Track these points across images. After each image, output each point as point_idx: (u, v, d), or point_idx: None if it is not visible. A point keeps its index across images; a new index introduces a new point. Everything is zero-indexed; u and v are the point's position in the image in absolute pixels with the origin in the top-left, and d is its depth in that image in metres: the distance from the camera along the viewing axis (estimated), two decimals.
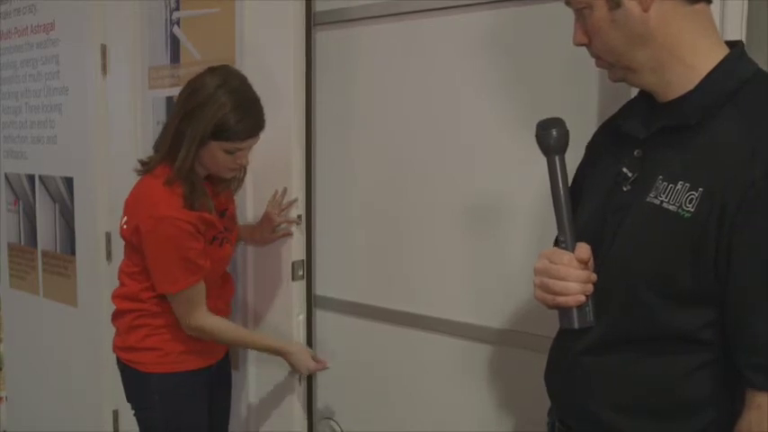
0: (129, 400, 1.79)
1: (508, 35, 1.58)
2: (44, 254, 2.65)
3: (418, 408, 1.81)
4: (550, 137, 1.02)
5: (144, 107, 2.23)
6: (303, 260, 1.93)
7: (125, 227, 1.68)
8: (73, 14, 2.39)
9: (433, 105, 1.72)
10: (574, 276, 0.98)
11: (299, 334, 1.92)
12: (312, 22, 1.88)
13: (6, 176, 2.81)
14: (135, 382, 1.75)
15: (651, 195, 0.95)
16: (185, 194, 1.60)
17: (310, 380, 1.98)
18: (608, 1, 0.96)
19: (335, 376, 1.97)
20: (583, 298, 0.98)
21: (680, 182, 0.92)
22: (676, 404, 0.95)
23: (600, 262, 1.01)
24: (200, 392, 1.77)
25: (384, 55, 1.80)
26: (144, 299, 1.70)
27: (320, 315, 1.99)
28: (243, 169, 1.76)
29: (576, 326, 1.00)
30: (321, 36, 1.90)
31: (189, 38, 2.09)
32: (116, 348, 1.78)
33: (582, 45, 1.04)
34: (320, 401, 2.02)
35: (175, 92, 1.70)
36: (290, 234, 1.89)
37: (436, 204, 1.73)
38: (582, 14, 1.00)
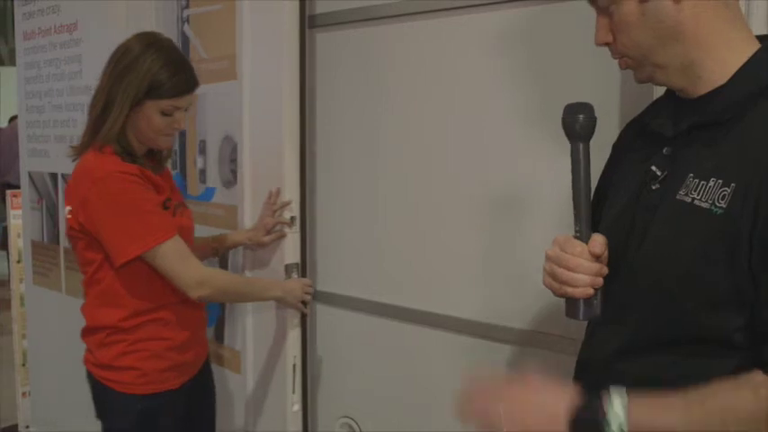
0: (99, 417, 1.66)
1: (516, 35, 1.56)
2: (66, 251, 2.67)
3: (419, 406, 1.80)
4: (576, 122, 0.97)
5: None
6: (297, 263, 1.89)
7: (69, 216, 1.54)
8: (96, 15, 2.41)
9: (431, 105, 1.71)
10: (584, 268, 0.95)
11: (295, 337, 1.91)
12: (307, 24, 1.87)
13: (30, 175, 2.84)
14: (110, 402, 1.61)
15: (681, 193, 0.93)
16: (119, 153, 1.51)
17: (305, 386, 1.94)
18: None
19: (336, 372, 1.96)
20: (591, 291, 0.96)
21: (712, 179, 0.90)
22: None
23: (630, 261, 0.98)
24: (181, 410, 1.65)
25: (382, 56, 1.79)
26: (116, 295, 1.55)
27: (321, 309, 1.98)
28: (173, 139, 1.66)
29: (581, 318, 0.98)
30: (320, 38, 1.90)
31: (196, 35, 2.10)
32: (87, 363, 1.64)
33: (605, 44, 1.00)
34: (320, 398, 2.01)
35: None
36: (283, 236, 1.86)
37: (441, 200, 1.72)
38: (607, 11, 0.97)
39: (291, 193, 1.87)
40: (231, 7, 1.93)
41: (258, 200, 1.89)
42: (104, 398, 1.63)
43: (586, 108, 0.98)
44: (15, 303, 3.20)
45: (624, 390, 0.88)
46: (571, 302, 0.98)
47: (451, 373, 1.74)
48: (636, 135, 1.09)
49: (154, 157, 1.67)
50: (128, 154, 1.53)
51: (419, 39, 1.72)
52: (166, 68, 1.51)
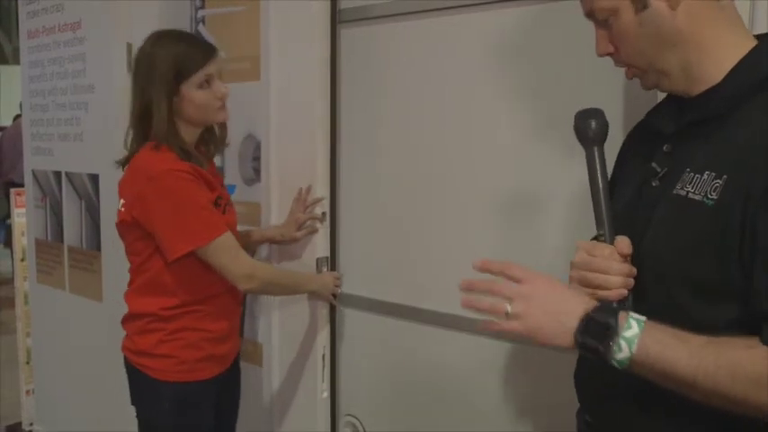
0: (134, 403, 1.72)
1: (536, 32, 1.57)
2: (70, 249, 2.68)
3: (443, 407, 1.81)
4: (589, 127, 1.00)
5: None
6: (327, 257, 1.93)
7: (123, 209, 1.60)
8: (99, 13, 2.41)
9: (459, 102, 1.71)
10: (616, 269, 0.96)
11: (323, 329, 1.93)
12: (337, 19, 1.88)
13: (34, 173, 2.85)
14: (145, 387, 1.67)
15: (678, 187, 0.94)
16: (176, 151, 1.55)
17: (334, 377, 1.98)
18: (635, 4, 0.94)
19: (360, 374, 1.98)
20: (625, 292, 0.96)
21: (706, 171, 0.91)
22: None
23: (634, 257, 0.99)
24: (212, 401, 1.70)
25: (410, 52, 1.79)
26: (163, 284, 1.60)
27: (345, 313, 2.00)
28: (223, 128, 1.71)
29: None
30: (346, 33, 1.91)
31: (213, 36, 2.10)
32: (125, 350, 1.70)
33: (607, 55, 1.02)
34: (343, 399, 2.03)
35: None
36: (315, 231, 1.90)
37: (463, 202, 1.73)
38: (605, 23, 0.98)
39: (322, 189, 1.90)
40: (255, 8, 1.95)
41: (285, 197, 1.92)
42: (139, 384, 1.68)
43: (597, 113, 1.00)
44: (19, 301, 3.21)
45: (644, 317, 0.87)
46: None
47: (465, 375, 1.75)
48: (640, 136, 1.11)
49: (207, 148, 1.71)
50: (182, 150, 1.57)
51: (448, 35, 1.71)
52: (181, 46, 1.56)
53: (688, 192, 0.92)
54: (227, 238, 1.55)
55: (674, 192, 0.94)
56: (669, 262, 0.94)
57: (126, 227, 1.62)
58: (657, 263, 0.96)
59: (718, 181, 0.89)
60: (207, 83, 1.58)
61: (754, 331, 0.86)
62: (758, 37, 0.97)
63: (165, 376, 1.63)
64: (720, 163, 0.90)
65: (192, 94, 1.57)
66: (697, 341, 0.86)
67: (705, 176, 0.91)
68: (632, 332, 0.86)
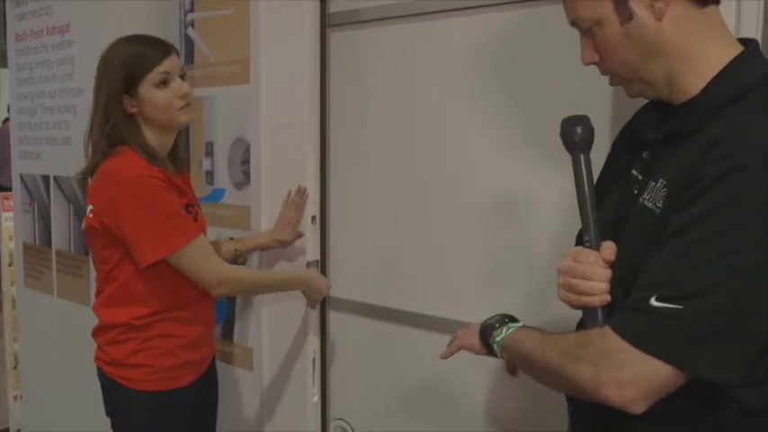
0: (109, 414, 1.68)
1: (524, 37, 1.58)
2: (58, 254, 2.66)
3: (433, 411, 1.81)
4: (575, 134, 1.01)
5: None
6: (317, 260, 1.93)
7: (91, 216, 1.56)
8: (88, 16, 2.40)
9: (448, 106, 1.72)
10: (600, 276, 0.97)
11: (314, 333, 1.93)
12: (327, 23, 1.88)
13: (22, 177, 2.83)
14: (121, 398, 1.62)
15: (645, 196, 0.96)
16: (143, 155, 1.52)
17: (324, 381, 1.98)
18: (619, 14, 0.94)
19: (350, 378, 1.97)
20: (608, 297, 0.97)
21: (660, 180, 0.93)
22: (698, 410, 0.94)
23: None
24: (190, 406, 1.68)
25: (399, 56, 1.80)
26: (134, 292, 1.57)
27: (334, 317, 1.99)
28: (181, 147, 1.67)
29: (602, 325, 0.97)
30: (335, 37, 1.91)
31: (203, 39, 2.10)
32: (98, 360, 1.66)
33: (593, 64, 1.02)
34: (333, 403, 2.02)
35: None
36: (301, 235, 1.89)
37: (452, 205, 1.73)
38: (590, 32, 0.98)
39: (312, 193, 1.90)
40: (245, 11, 1.94)
41: (275, 200, 1.91)
42: (115, 395, 1.64)
43: (583, 120, 1.01)
44: (7, 306, 3.19)
45: (522, 323, 1.14)
46: (589, 312, 0.99)
47: (455, 379, 1.75)
48: (624, 142, 1.12)
49: (174, 159, 1.67)
50: (150, 156, 1.54)
51: (437, 39, 1.72)
52: (133, 48, 1.53)
53: (645, 200, 0.95)
54: (198, 245, 1.53)
55: (641, 200, 0.97)
56: (628, 266, 0.95)
57: (94, 234, 1.58)
58: (620, 266, 0.98)
59: (665, 190, 0.91)
60: (164, 83, 1.54)
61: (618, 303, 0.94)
62: (743, 42, 0.97)
63: (140, 386, 1.60)
64: (668, 172, 0.92)
65: (151, 94, 1.53)
66: (553, 336, 1.00)
67: (659, 185, 0.93)
68: (501, 336, 1.12)
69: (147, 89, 1.53)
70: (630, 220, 0.98)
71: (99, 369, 1.67)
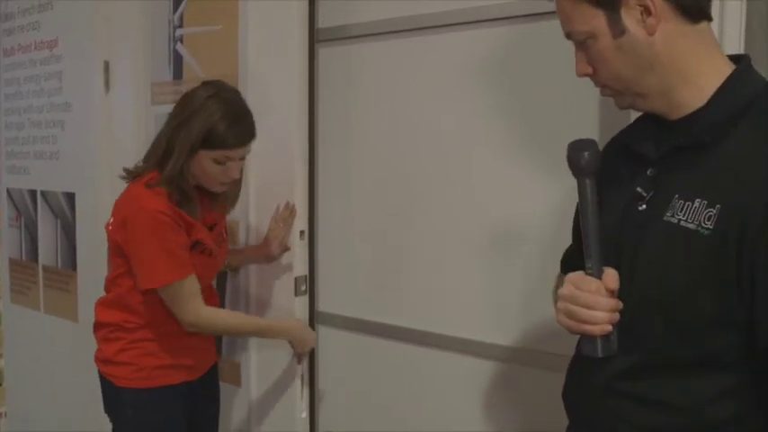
0: (105, 411, 1.77)
1: (514, 51, 1.59)
2: (45, 269, 2.65)
3: (423, 426, 1.80)
4: (582, 158, 0.97)
5: (146, 123, 2.23)
6: (306, 275, 1.92)
7: (110, 227, 1.67)
8: (76, 31, 2.40)
9: (437, 121, 1.72)
10: (601, 305, 0.95)
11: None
12: (315, 38, 1.89)
13: (8, 192, 2.81)
14: (111, 395, 1.72)
15: (668, 214, 0.94)
16: (169, 195, 1.60)
17: (313, 396, 1.97)
18: (612, 29, 0.94)
19: (338, 394, 1.97)
20: (609, 327, 0.96)
21: (697, 199, 0.91)
22: (705, 426, 0.94)
23: (623, 283, 0.98)
24: (178, 407, 1.71)
25: (387, 71, 1.81)
26: (129, 302, 1.66)
27: (323, 331, 1.99)
28: (237, 184, 1.74)
29: (600, 355, 0.97)
30: (324, 52, 1.92)
31: (192, 54, 2.11)
32: (96, 360, 1.76)
33: (586, 76, 1.02)
34: (322, 418, 2.01)
35: None
36: (287, 249, 1.88)
37: (441, 220, 1.73)
38: (584, 45, 0.99)
39: (300, 208, 1.90)
40: (233, 27, 1.95)
41: (264, 215, 1.91)
42: (107, 391, 1.74)
43: (591, 144, 0.99)
44: None
45: None
46: (588, 340, 0.98)
47: (445, 394, 1.75)
48: (618, 156, 1.09)
49: (213, 196, 1.73)
50: (180, 193, 1.60)
51: (426, 54, 1.73)
52: (223, 120, 1.57)
53: (680, 220, 0.92)
54: (183, 284, 1.61)
55: (665, 218, 0.94)
56: (665, 288, 0.93)
57: (112, 240, 1.68)
58: (653, 293, 0.95)
59: (712, 210, 0.89)
60: (222, 162, 1.61)
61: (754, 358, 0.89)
62: (734, 59, 0.98)
63: (124, 383, 1.68)
64: (711, 192, 0.90)
65: (205, 163, 1.60)
66: None
67: (697, 204, 0.91)
68: None
69: (205, 157, 1.59)
70: (653, 239, 0.96)
71: (97, 367, 1.76)
